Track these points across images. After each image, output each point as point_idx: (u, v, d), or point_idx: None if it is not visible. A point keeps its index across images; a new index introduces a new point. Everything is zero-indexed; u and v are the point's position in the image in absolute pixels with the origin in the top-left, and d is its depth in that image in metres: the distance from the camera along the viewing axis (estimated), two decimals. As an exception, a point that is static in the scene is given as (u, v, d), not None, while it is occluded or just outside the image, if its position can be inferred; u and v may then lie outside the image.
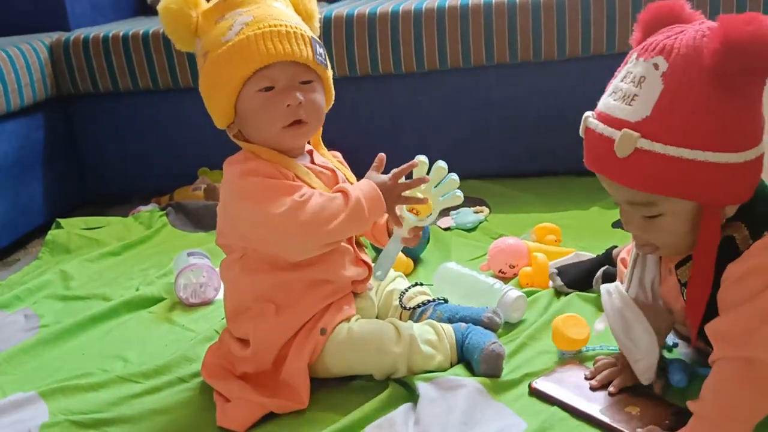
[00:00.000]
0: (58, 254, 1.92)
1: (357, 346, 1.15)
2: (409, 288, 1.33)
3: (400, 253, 1.56)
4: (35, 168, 2.12)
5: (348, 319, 1.18)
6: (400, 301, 1.31)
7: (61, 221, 2.04)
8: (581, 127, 0.96)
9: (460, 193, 1.20)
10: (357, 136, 2.19)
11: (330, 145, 2.13)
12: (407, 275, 1.58)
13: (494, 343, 1.15)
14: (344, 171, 1.28)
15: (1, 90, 1.92)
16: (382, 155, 1.21)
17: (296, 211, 1.08)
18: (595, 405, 1.05)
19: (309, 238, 1.11)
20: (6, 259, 1.98)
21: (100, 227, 2.04)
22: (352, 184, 1.24)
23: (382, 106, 2.17)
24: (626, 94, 0.89)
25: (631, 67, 0.90)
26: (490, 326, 1.24)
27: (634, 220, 0.96)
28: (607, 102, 0.92)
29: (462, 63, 2.03)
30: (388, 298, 1.33)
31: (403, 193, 1.16)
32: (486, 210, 1.90)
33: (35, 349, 1.40)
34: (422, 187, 1.18)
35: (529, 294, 1.39)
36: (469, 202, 1.98)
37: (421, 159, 1.18)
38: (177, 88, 2.19)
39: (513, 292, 1.33)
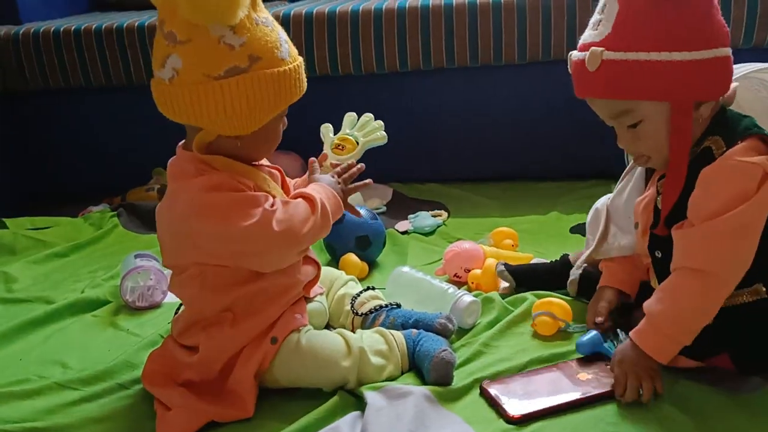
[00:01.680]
0: (2, 255, 1.85)
1: (306, 360, 1.11)
2: (361, 293, 1.30)
3: (355, 257, 1.53)
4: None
5: (299, 330, 1.14)
6: (352, 306, 1.27)
7: (7, 221, 1.97)
8: (568, 64, 1.08)
9: (383, 134, 1.34)
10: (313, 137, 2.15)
11: (287, 142, 2.11)
12: (362, 279, 1.55)
13: (444, 350, 1.12)
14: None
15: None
16: (312, 159, 1.23)
17: (269, 221, 1.05)
18: (553, 396, 1.07)
19: (286, 246, 1.08)
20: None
21: (48, 227, 1.97)
22: (287, 176, 1.23)
23: (338, 106, 2.13)
24: (594, 22, 1.04)
25: (600, 2, 1.05)
26: (443, 332, 1.22)
27: (622, 133, 1.07)
28: (583, 35, 1.05)
29: (422, 64, 2.01)
30: (339, 303, 1.30)
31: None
32: (444, 214, 1.88)
33: (-30, 353, 1.34)
34: (347, 130, 1.25)
35: (476, 297, 1.37)
36: (428, 205, 1.97)
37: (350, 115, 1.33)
38: (131, 84, 2.13)
39: (467, 297, 1.31)
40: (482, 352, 1.21)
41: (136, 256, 1.57)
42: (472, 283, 1.45)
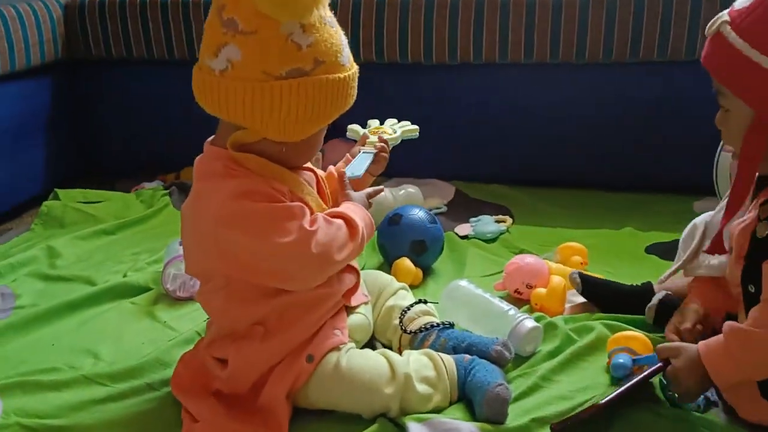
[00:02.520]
0: (51, 228, 1.81)
1: (344, 383, 1.01)
2: (412, 306, 1.19)
3: (409, 263, 1.43)
4: (37, 133, 2.01)
5: (338, 348, 1.05)
6: (401, 321, 1.17)
7: (59, 192, 1.93)
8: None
9: (416, 126, 1.29)
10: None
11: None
12: (415, 287, 1.44)
13: (500, 385, 1.01)
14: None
15: (6, 48, 1.81)
16: (342, 172, 1.14)
17: (307, 241, 0.96)
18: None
19: (318, 270, 1.00)
20: (-1, 226, 1.88)
21: (99, 202, 1.93)
22: (322, 179, 1.15)
23: (409, 96, 2.02)
24: None
25: None
26: (499, 361, 1.10)
27: (720, 112, 1.00)
28: None
29: (498, 58, 1.88)
30: (387, 315, 1.20)
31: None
32: (509, 220, 1.76)
33: (4, 335, 1.29)
34: (376, 124, 1.28)
35: (537, 320, 1.25)
36: (492, 208, 1.85)
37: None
38: (194, 59, 2.05)
39: (528, 322, 1.19)
40: (540, 386, 1.10)
41: (181, 243, 1.50)
42: (535, 303, 1.33)
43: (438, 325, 1.16)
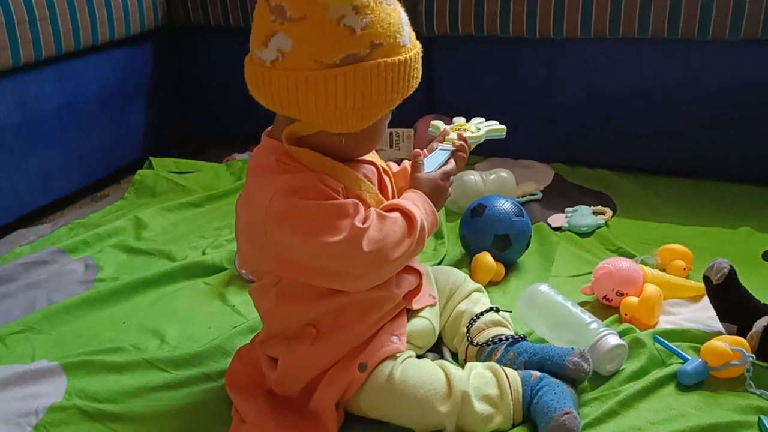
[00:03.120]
0: (143, 196, 1.84)
1: (397, 397, 0.94)
2: (483, 314, 1.10)
3: (490, 258, 1.34)
4: (137, 100, 2.04)
5: (394, 357, 0.98)
6: (468, 330, 1.09)
7: (154, 160, 1.96)
8: None
9: (503, 126, 1.19)
10: (474, 102, 1.94)
11: (444, 108, 1.91)
12: (495, 284, 1.35)
13: (568, 413, 0.91)
14: (374, 158, 1.07)
15: (105, 17, 1.83)
16: (417, 151, 1.06)
17: (358, 239, 0.89)
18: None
19: (372, 269, 0.92)
20: (96, 193, 1.93)
21: (191, 172, 1.94)
22: (387, 173, 1.06)
23: (507, 73, 1.90)
24: None
25: None
26: (575, 374, 1.00)
27: None
28: None
29: (608, 32, 1.71)
30: (456, 321, 1.12)
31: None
32: (608, 213, 1.61)
33: (79, 308, 1.31)
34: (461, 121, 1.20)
35: (623, 333, 1.13)
36: (592, 197, 1.71)
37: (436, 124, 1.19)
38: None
39: (612, 339, 1.07)
40: (617, 413, 0.99)
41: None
42: (625, 314, 1.20)
43: (508, 338, 1.06)
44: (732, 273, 1.14)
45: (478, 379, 0.96)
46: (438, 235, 1.55)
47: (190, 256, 1.49)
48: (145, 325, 1.27)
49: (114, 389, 1.08)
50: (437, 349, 1.13)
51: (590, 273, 1.32)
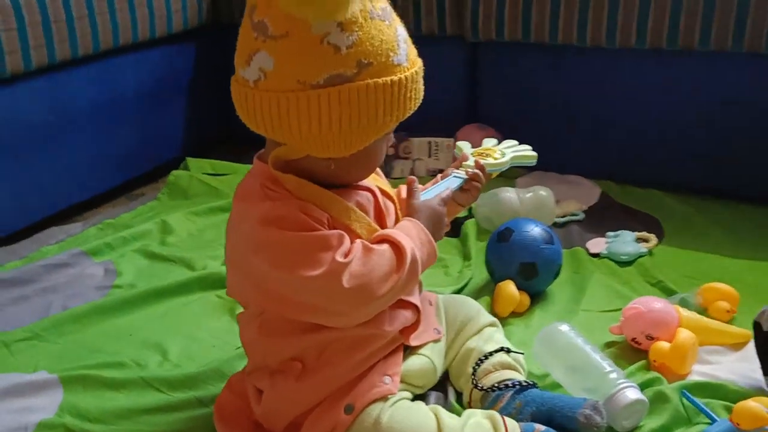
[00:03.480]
0: (176, 198, 1.83)
1: None
2: (492, 354, 1.02)
3: (513, 288, 1.25)
4: (178, 98, 2.03)
5: (385, 398, 0.90)
6: (474, 372, 1.01)
7: (190, 161, 1.94)
8: None
9: (534, 153, 1.10)
10: (520, 112, 1.84)
11: (487, 117, 1.82)
12: (518, 315, 1.26)
13: None
14: (380, 183, 0.99)
15: (147, 15, 1.82)
16: (411, 179, 0.97)
17: (338, 275, 0.82)
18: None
19: (356, 307, 0.85)
20: (132, 192, 1.92)
21: (225, 174, 1.91)
22: (391, 198, 0.98)
23: (555, 82, 1.79)
24: None
25: None
26: (587, 428, 0.92)
27: None
28: None
29: (665, 43, 1.59)
30: (464, 360, 1.04)
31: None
32: (653, 240, 1.49)
33: (88, 318, 1.29)
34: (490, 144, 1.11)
35: (648, 384, 1.03)
36: (638, 220, 1.59)
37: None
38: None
39: (631, 392, 0.98)
40: (628, 479, 0.90)
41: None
42: (654, 360, 1.10)
43: (516, 384, 0.98)
44: None
45: (474, 428, 0.89)
46: (466, 256, 1.47)
47: (209, 266, 1.45)
48: (150, 339, 1.24)
49: (106, 408, 1.06)
50: (442, 387, 1.05)
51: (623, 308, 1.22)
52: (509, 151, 1.10)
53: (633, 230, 1.52)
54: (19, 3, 1.52)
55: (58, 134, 1.70)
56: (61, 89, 1.68)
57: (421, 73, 0.88)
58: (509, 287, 1.26)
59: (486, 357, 1.02)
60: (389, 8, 0.84)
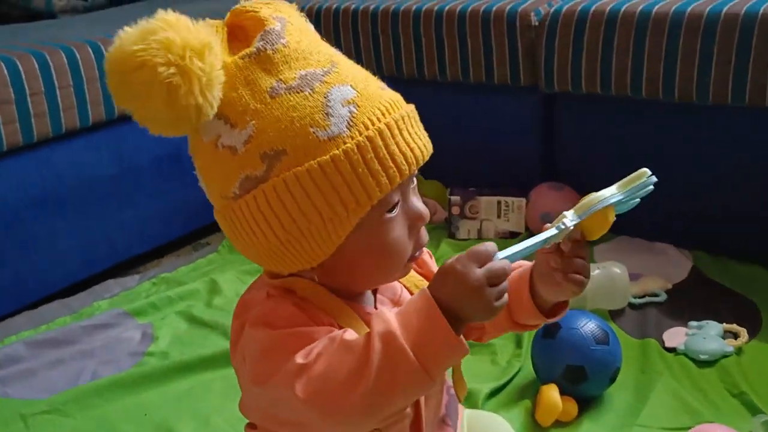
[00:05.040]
0: (235, 252, 1.77)
1: None
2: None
3: (556, 395, 1.09)
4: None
5: None
6: None
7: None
8: None
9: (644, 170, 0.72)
10: (603, 172, 1.65)
11: (564, 176, 1.64)
12: (566, 424, 1.10)
13: None
14: (415, 278, 0.81)
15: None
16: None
17: (290, 382, 0.64)
18: None
19: (329, 424, 0.66)
20: (199, 240, 1.91)
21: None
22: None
23: (639, 139, 1.59)
24: None
25: None
26: None
27: None
28: None
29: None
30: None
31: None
32: (743, 335, 1.27)
33: (110, 392, 1.26)
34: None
35: None
36: (732, 303, 1.37)
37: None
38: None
39: None
40: None
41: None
42: (711, 507, 0.91)
43: None
44: None
45: None
46: (519, 344, 1.31)
47: (245, 336, 1.39)
48: (164, 422, 1.19)
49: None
50: None
51: (690, 428, 1.03)
52: (575, 216, 0.72)
53: (723, 320, 1.31)
54: (76, 59, 1.54)
55: (123, 187, 1.71)
56: (122, 143, 1.68)
57: (395, 132, 0.67)
58: (551, 393, 1.10)
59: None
60: (318, 72, 0.67)
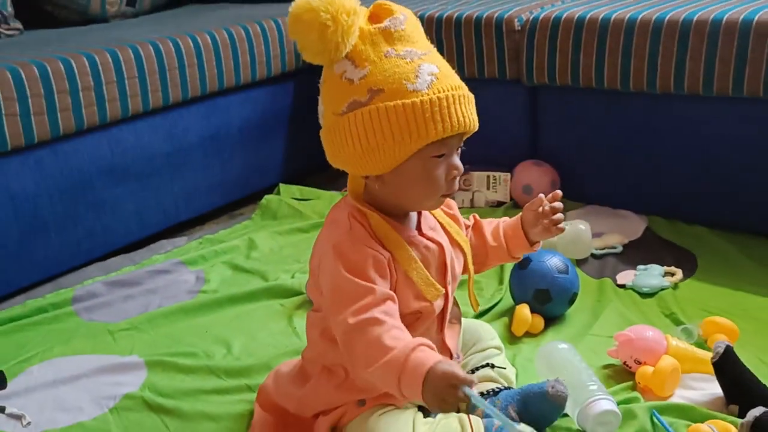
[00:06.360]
0: (266, 219, 2.10)
1: None
2: (477, 370, 1.19)
3: (527, 311, 1.41)
4: (275, 132, 2.31)
5: (387, 405, 1.07)
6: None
7: (281, 186, 2.22)
8: None
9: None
10: (577, 151, 1.98)
11: (546, 154, 1.97)
12: (534, 335, 1.42)
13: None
14: (452, 230, 1.13)
15: (248, 62, 2.12)
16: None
17: (355, 335, 0.96)
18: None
19: (354, 368, 1.01)
20: (234, 211, 2.23)
21: (310, 199, 2.17)
22: (461, 249, 1.13)
23: (608, 122, 1.91)
24: None
25: None
26: (555, 399, 1.11)
27: None
28: None
29: (702, 89, 1.68)
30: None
31: None
32: (678, 274, 1.59)
33: (175, 315, 1.58)
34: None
35: (626, 402, 1.18)
36: (674, 254, 1.69)
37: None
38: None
39: (604, 403, 1.12)
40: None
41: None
42: (638, 382, 1.23)
43: (490, 391, 1.15)
44: (728, 353, 1.13)
45: (444, 428, 1.05)
46: (500, 280, 1.63)
47: (280, 279, 1.71)
48: (220, 335, 1.50)
49: (176, 387, 1.33)
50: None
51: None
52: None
53: (665, 265, 1.63)
54: (140, 55, 1.87)
55: (174, 163, 2.03)
56: (174, 126, 2.01)
57: (455, 102, 0.97)
58: (523, 310, 1.42)
59: (472, 372, 1.19)
60: (418, 52, 0.99)
